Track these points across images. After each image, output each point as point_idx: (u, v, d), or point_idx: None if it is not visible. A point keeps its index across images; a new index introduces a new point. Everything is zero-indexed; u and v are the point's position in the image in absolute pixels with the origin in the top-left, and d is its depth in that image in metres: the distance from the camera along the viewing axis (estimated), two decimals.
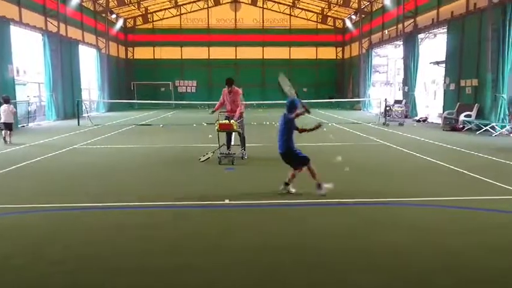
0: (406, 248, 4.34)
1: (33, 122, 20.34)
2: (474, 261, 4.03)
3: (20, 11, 19.86)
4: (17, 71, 20.44)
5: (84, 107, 23.59)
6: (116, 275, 3.76)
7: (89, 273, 3.78)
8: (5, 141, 12.37)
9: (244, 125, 9.96)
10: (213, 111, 9.95)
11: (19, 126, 18.41)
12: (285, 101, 6.63)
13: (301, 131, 6.57)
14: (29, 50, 22.07)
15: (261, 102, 27.35)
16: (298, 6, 38.17)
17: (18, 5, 19.81)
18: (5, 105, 12.93)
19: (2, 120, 12.78)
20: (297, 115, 6.42)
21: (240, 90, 9.90)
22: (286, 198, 6.25)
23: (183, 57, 38.83)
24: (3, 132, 12.75)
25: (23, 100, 20.24)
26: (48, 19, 22.58)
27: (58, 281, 3.63)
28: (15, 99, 18.38)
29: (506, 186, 6.88)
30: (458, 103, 18.22)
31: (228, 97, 9.81)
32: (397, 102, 24.13)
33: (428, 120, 21.08)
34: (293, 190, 6.44)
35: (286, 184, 6.44)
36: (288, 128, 6.40)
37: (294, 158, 6.43)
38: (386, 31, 28.23)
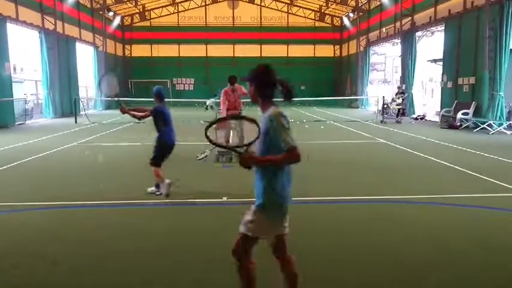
0: (403, 246, 4.36)
1: (30, 120, 20.28)
2: (471, 258, 4.05)
3: (16, 8, 19.76)
4: (14, 69, 20.38)
5: (81, 105, 23.52)
6: (113, 274, 3.76)
7: (86, 273, 3.79)
8: None
9: None
10: (224, 117, 9.70)
11: (16, 124, 18.37)
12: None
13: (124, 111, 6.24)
14: (25, 48, 21.99)
15: None
16: (295, 3, 38.13)
17: (14, 2, 19.71)
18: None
19: None
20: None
21: (243, 87, 9.85)
22: None
23: (180, 55, 38.75)
24: None
25: (20, 98, 20.18)
26: (45, 16, 22.50)
27: (55, 281, 3.63)
28: (12, 97, 18.34)
29: (503, 184, 6.91)
30: (455, 101, 18.25)
31: (232, 96, 9.73)
32: (394, 100, 24.14)
33: (425, 118, 21.13)
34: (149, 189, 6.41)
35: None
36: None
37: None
38: (384, 29, 28.23)
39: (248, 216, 2.88)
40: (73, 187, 6.96)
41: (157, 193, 6.34)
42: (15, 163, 8.94)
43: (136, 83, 37.45)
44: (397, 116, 19.91)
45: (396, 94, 21.40)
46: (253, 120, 2.77)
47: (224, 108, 9.72)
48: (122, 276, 3.69)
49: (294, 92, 2.86)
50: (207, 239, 4.58)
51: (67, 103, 23.67)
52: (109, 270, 3.82)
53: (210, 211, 5.74)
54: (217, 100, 20.38)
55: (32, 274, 3.71)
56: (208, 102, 26.44)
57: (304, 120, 19.98)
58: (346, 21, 35.23)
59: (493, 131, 14.58)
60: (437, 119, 19.46)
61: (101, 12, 31.31)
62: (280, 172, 2.78)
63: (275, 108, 2.75)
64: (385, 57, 31.89)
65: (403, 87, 22.90)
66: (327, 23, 39.59)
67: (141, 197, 6.26)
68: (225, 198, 6.11)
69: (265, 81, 2.84)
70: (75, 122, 18.89)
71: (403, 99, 20.61)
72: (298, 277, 2.98)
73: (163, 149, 6.28)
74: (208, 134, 2.74)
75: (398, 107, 20.32)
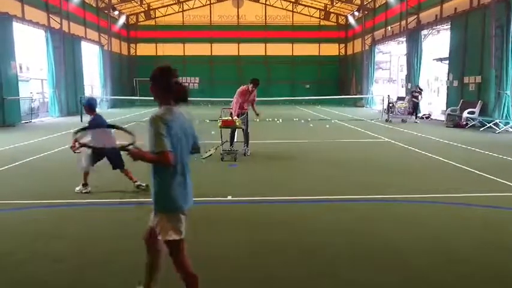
0: (406, 245, 4.34)
1: (36, 119, 20.40)
2: (475, 258, 4.03)
3: (22, 7, 19.87)
4: (20, 68, 20.49)
5: None
6: (115, 273, 3.77)
7: (89, 271, 3.80)
8: None
9: (249, 121, 9.98)
10: (236, 116, 9.59)
11: (22, 122, 18.48)
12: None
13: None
14: (31, 47, 22.10)
15: (263, 99, 27.31)
16: (300, 2, 38.05)
17: (21, 1, 19.82)
18: None
19: None
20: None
21: (255, 93, 10.12)
22: (289, 194, 6.26)
23: (185, 54, 38.80)
24: None
25: (26, 96, 20.30)
26: (50, 15, 22.60)
27: (58, 279, 3.64)
28: (18, 95, 18.45)
29: (508, 183, 6.86)
30: (461, 100, 18.15)
31: (246, 96, 9.88)
32: (400, 99, 24.04)
33: (431, 117, 21.03)
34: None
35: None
36: None
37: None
38: (389, 27, 28.11)
39: (155, 223, 2.89)
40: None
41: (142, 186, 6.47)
42: (20, 162, 8.99)
43: (141, 82, 37.51)
44: (413, 112, 19.69)
45: (416, 92, 20.60)
46: (128, 132, 2.97)
47: (237, 107, 9.73)
48: (123, 275, 3.70)
49: (187, 96, 2.89)
50: (209, 236, 4.58)
51: (73, 102, 23.78)
52: (111, 268, 3.83)
53: (214, 210, 5.74)
54: None
55: (36, 272, 3.73)
56: None
57: (309, 119, 19.95)
58: (351, 20, 35.09)
59: (500, 130, 14.48)
60: (443, 118, 19.35)
61: (106, 11, 31.40)
62: (170, 171, 2.82)
63: (160, 110, 2.76)
64: (391, 55, 31.75)
65: (409, 86, 22.71)
66: (332, 22, 39.48)
67: (144, 196, 6.26)
68: (229, 197, 6.11)
69: (160, 82, 2.85)
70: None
71: (416, 98, 20.20)
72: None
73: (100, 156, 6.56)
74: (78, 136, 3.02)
75: (408, 103, 20.12)
